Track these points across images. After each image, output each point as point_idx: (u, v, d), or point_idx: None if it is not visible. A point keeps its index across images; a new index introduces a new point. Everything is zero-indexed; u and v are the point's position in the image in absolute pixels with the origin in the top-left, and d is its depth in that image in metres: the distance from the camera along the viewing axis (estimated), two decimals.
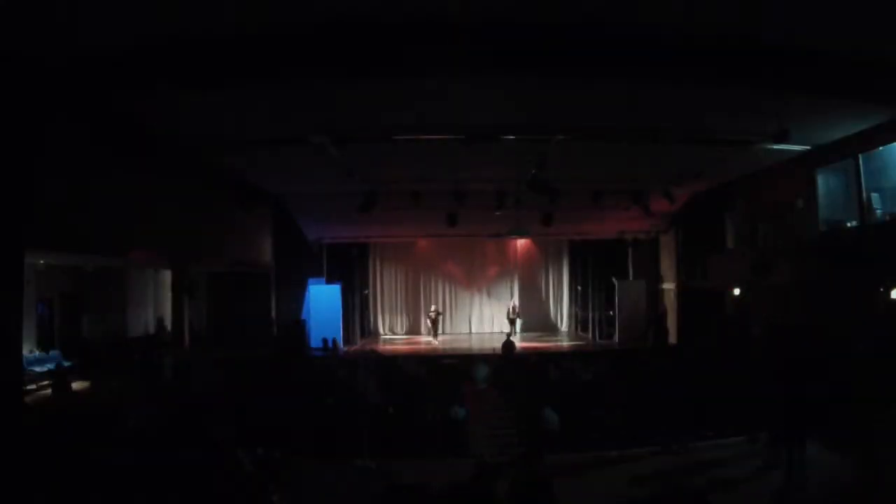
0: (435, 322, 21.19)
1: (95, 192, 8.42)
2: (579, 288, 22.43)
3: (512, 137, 9.61)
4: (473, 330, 23.06)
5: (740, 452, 9.21)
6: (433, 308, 21.68)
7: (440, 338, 21.04)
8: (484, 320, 23.02)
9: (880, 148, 10.19)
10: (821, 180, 11.66)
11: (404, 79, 7.29)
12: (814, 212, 11.77)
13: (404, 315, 23.08)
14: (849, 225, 11.13)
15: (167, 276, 17.39)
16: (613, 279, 20.19)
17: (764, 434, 9.07)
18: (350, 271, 21.30)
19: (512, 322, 21.30)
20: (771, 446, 8.67)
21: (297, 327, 17.63)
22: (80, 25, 5.77)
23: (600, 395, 11.65)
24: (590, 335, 21.26)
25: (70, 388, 10.74)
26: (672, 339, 18.07)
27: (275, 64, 6.67)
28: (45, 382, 10.93)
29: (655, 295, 19.60)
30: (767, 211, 13.72)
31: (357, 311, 21.50)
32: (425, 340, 21.19)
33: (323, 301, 18.71)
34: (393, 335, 22.76)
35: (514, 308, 21.66)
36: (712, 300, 16.65)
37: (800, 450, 7.80)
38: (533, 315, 23.06)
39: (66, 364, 12.06)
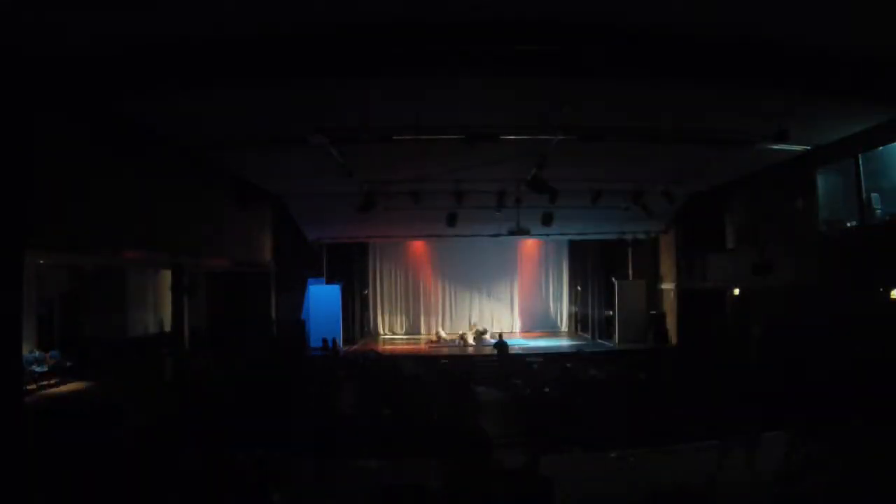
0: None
1: (95, 191, 8.41)
2: (579, 288, 22.44)
3: (512, 137, 9.61)
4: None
5: (740, 452, 9.19)
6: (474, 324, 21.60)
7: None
8: (484, 320, 23.01)
9: (880, 148, 10.19)
10: (821, 180, 11.67)
11: (405, 79, 7.29)
12: (814, 212, 11.77)
13: (404, 315, 23.10)
14: (849, 225, 11.13)
15: (167, 276, 17.42)
16: (613, 279, 20.20)
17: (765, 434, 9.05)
18: (350, 271, 21.32)
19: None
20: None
21: (297, 327, 17.63)
22: (80, 24, 5.77)
23: (600, 394, 11.65)
24: (589, 335, 21.27)
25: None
26: (672, 339, 18.07)
27: (275, 64, 6.67)
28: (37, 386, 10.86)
29: (655, 295, 19.60)
30: (767, 211, 13.73)
31: (357, 311, 21.50)
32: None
33: (323, 301, 18.72)
34: (393, 335, 22.77)
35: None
36: (712, 300, 16.66)
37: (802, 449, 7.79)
38: (533, 315, 23.10)
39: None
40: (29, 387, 10.14)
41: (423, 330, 22.85)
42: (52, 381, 11.51)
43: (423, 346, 20.17)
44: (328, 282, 19.89)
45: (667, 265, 19.17)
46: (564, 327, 23.16)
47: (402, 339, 22.29)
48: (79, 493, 6.37)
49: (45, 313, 13.32)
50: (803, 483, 7.13)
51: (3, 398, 6.26)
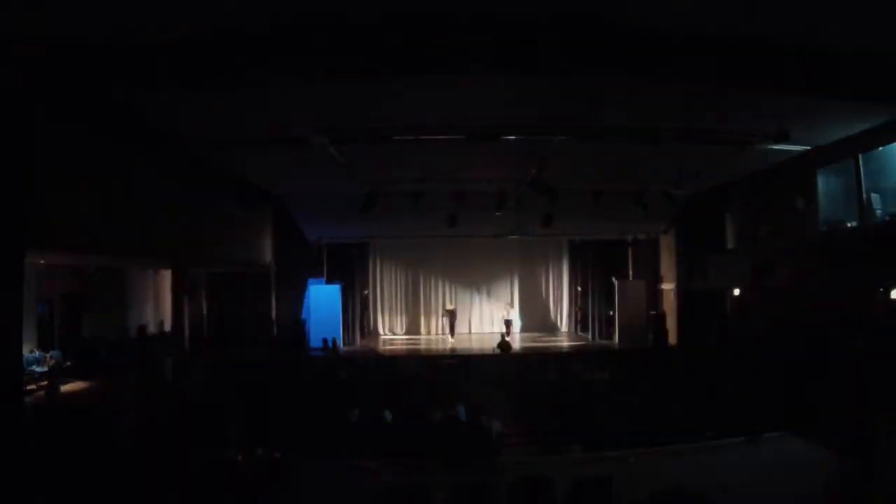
0: (452, 320, 21.06)
1: (95, 191, 8.42)
2: (579, 288, 22.43)
3: (512, 137, 9.61)
4: (473, 330, 23.07)
5: (740, 452, 9.19)
6: (450, 305, 21.59)
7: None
8: (484, 320, 23.02)
9: (880, 148, 10.19)
10: (821, 180, 11.66)
11: (404, 78, 7.28)
12: (814, 212, 11.76)
13: (404, 315, 23.10)
14: (849, 225, 11.13)
15: (167, 276, 17.42)
16: (613, 279, 20.20)
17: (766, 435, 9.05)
18: (350, 271, 21.31)
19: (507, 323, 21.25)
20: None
21: (297, 327, 17.64)
22: (79, 23, 5.77)
23: (601, 395, 11.65)
24: (589, 335, 21.27)
25: (59, 390, 10.70)
26: (672, 339, 18.06)
27: (274, 63, 6.67)
28: (37, 386, 10.91)
29: (655, 295, 19.60)
30: (767, 211, 13.73)
31: (357, 311, 21.50)
32: (439, 340, 20.95)
33: (323, 301, 18.71)
34: (393, 335, 22.77)
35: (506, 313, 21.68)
36: (712, 301, 16.65)
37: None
38: (533, 315, 23.09)
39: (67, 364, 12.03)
40: (29, 387, 10.14)
41: (423, 330, 22.87)
42: (44, 384, 11.49)
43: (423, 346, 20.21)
44: (328, 282, 19.88)
45: (667, 265, 19.17)
46: (564, 327, 23.15)
47: (402, 339, 22.29)
48: (79, 494, 6.37)
49: (45, 313, 13.33)
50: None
51: (3, 398, 6.25)
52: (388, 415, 9.97)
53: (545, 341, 20.76)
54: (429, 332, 22.83)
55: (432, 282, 23.17)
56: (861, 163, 10.46)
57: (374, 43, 6.48)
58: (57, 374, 11.33)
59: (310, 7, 5.96)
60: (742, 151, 10.13)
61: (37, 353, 12.09)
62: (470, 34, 6.38)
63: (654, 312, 19.03)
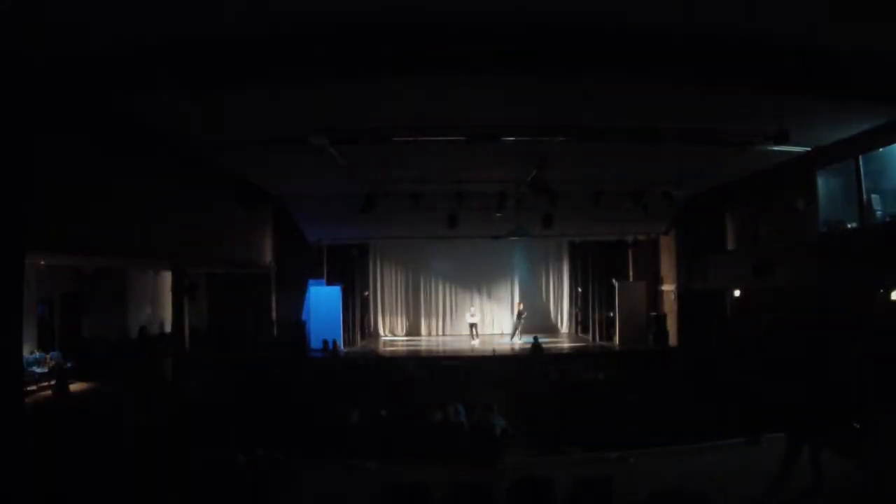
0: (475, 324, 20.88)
1: (95, 192, 8.42)
2: (579, 289, 22.43)
3: (512, 138, 9.61)
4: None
5: (740, 453, 9.21)
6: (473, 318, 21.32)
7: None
8: (484, 321, 23.00)
9: (880, 149, 10.20)
10: (821, 181, 11.66)
11: (404, 79, 7.29)
12: (814, 213, 11.77)
13: (404, 316, 23.09)
14: (849, 226, 11.14)
15: (167, 276, 17.43)
16: (613, 280, 20.20)
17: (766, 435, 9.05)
18: (350, 272, 21.31)
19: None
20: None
21: (298, 328, 17.64)
22: (79, 25, 5.77)
23: (601, 395, 11.65)
24: (590, 336, 21.25)
25: (68, 389, 10.77)
26: (672, 340, 18.05)
27: (274, 64, 6.68)
28: (46, 384, 10.99)
29: (656, 296, 19.59)
30: (767, 211, 13.73)
31: (357, 312, 21.50)
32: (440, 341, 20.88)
33: (323, 302, 18.73)
34: (393, 336, 22.77)
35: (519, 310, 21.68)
36: (713, 302, 16.65)
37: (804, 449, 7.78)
38: (533, 316, 23.07)
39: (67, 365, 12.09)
40: (28, 387, 10.15)
41: (423, 331, 22.88)
42: (52, 382, 11.52)
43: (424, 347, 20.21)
44: (328, 283, 19.89)
45: (667, 266, 19.16)
46: (565, 329, 23.14)
47: (402, 340, 22.28)
48: (80, 494, 6.37)
49: (45, 313, 13.33)
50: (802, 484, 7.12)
51: (3, 398, 6.25)
52: (387, 415, 9.98)
53: (546, 342, 20.73)
54: (429, 334, 22.84)
55: (432, 283, 23.16)
56: (861, 163, 10.46)
57: (373, 52, 6.49)
58: (66, 374, 11.38)
59: (309, 18, 5.98)
60: (742, 151, 10.12)
61: (37, 354, 12.10)
62: (469, 44, 6.38)
63: (654, 313, 19.04)
